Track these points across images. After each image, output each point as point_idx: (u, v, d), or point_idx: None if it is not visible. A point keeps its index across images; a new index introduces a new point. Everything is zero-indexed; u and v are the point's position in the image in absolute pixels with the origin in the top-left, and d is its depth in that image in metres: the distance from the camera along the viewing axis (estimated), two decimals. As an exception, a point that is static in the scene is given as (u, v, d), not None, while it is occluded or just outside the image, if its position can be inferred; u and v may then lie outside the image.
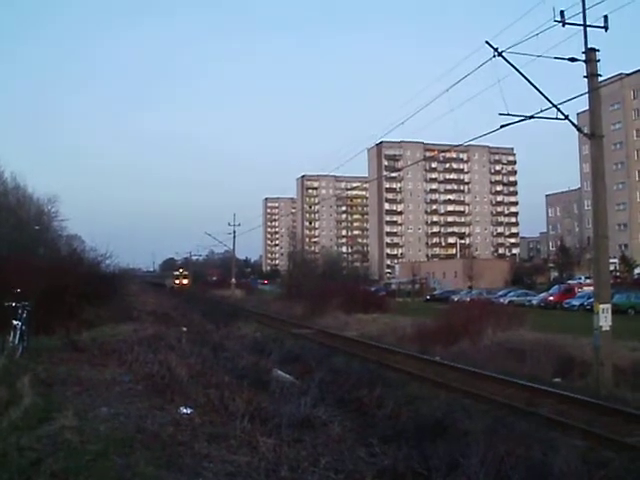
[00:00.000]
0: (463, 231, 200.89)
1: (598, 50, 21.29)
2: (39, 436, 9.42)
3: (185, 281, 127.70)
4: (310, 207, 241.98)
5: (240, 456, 9.11)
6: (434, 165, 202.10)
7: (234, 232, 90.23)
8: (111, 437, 9.58)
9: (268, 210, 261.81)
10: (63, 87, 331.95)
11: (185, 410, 11.87)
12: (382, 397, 14.85)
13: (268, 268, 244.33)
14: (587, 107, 22.14)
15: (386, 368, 24.44)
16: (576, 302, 59.49)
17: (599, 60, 21.32)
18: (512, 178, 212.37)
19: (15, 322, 18.64)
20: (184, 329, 29.97)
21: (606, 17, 20.95)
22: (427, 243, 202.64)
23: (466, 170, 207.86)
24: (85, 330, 25.68)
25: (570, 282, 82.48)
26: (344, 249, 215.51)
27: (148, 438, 9.70)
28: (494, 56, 20.80)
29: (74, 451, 8.73)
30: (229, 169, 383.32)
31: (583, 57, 21.28)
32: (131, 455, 8.70)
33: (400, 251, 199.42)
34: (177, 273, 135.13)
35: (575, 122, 22.67)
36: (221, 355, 21.14)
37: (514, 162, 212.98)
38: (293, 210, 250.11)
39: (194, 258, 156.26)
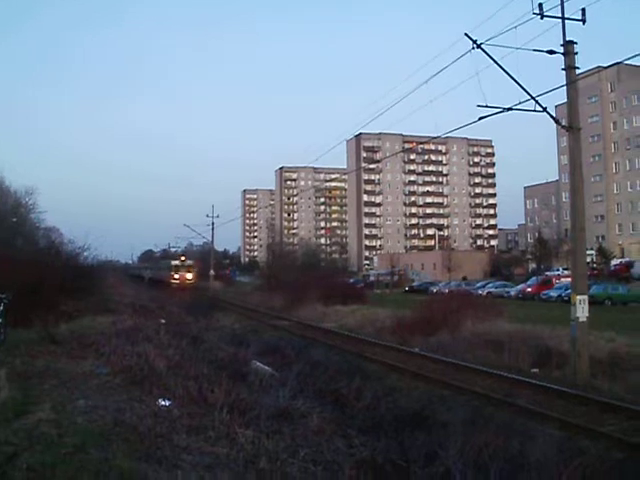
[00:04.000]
0: (442, 223, 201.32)
1: (576, 43, 21.43)
2: (16, 430, 9.37)
3: (189, 275, 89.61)
4: (289, 199, 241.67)
5: (219, 448, 9.10)
6: (413, 157, 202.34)
7: (212, 224, 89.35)
8: (89, 430, 9.54)
9: (247, 202, 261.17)
10: (41, 80, 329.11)
11: (163, 402, 11.83)
12: (361, 388, 14.85)
13: (247, 260, 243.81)
14: (565, 99, 22.24)
15: (365, 359, 24.51)
16: (554, 293, 59.83)
17: (577, 53, 21.45)
18: (490, 170, 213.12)
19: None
20: (162, 321, 29.92)
21: (584, 10, 21.03)
22: (406, 235, 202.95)
23: (445, 162, 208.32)
24: (63, 323, 25.56)
25: (548, 273, 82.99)
26: (323, 241, 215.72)
27: (126, 430, 9.66)
28: (473, 48, 20.78)
29: (51, 444, 8.68)
30: (207, 161, 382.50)
31: (561, 50, 21.37)
32: (109, 448, 8.65)
33: (379, 243, 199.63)
34: (176, 263, 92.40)
35: (553, 114, 22.72)
36: (200, 347, 21.09)
37: (492, 154, 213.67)
38: (272, 202, 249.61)
39: (172, 250, 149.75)
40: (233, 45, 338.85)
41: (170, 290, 77.77)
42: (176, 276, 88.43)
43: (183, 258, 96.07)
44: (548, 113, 21.82)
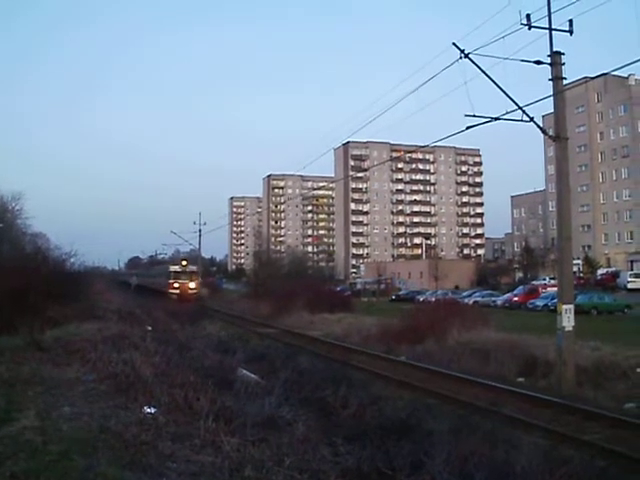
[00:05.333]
0: (429, 231, 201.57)
1: (563, 53, 21.59)
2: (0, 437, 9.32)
3: (192, 284, 75.42)
4: (276, 206, 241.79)
5: (204, 456, 9.08)
6: (400, 166, 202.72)
7: (200, 231, 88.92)
8: (74, 437, 9.50)
9: (234, 209, 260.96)
10: (26, 85, 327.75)
11: (149, 409, 11.79)
12: (347, 397, 14.84)
13: (234, 267, 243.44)
14: (552, 109, 22.35)
15: (351, 368, 24.49)
16: (540, 302, 59.92)
17: (564, 63, 21.61)
18: (478, 179, 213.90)
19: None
20: (149, 328, 29.79)
21: (571, 21, 21.19)
22: (393, 243, 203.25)
23: (432, 171, 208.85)
24: (49, 329, 25.41)
25: (534, 283, 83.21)
26: (310, 249, 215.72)
27: (111, 438, 9.63)
28: (461, 58, 20.90)
29: (36, 452, 8.65)
30: (195, 169, 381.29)
31: (548, 60, 21.52)
32: (94, 455, 8.62)
33: (366, 251, 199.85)
34: (176, 269, 78.07)
35: (540, 124, 22.85)
36: (186, 354, 20.99)
37: (480, 163, 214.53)
38: (259, 209, 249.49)
39: (160, 257, 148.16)
40: (219, 52, 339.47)
41: (168, 302, 64.43)
42: (176, 285, 73.82)
43: (185, 263, 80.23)
44: (535, 123, 21.94)
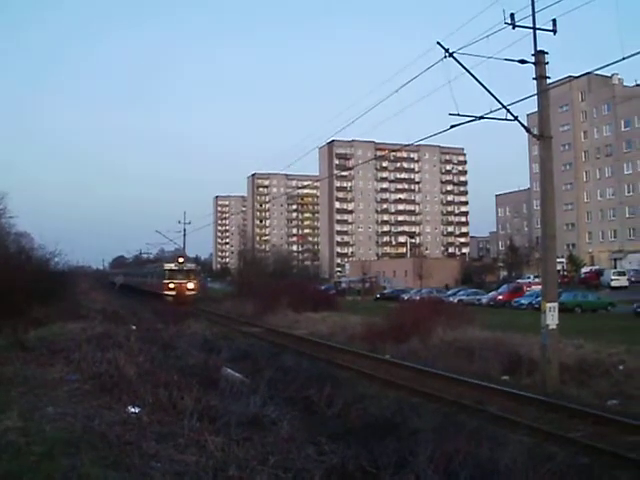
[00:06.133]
0: (413, 230, 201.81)
1: (547, 53, 21.64)
2: (-18, 438, 9.27)
3: (190, 285, 68.60)
4: (261, 205, 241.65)
5: (188, 455, 9.05)
6: (385, 164, 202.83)
7: (184, 230, 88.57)
8: (57, 438, 9.46)
9: (219, 208, 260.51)
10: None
11: (133, 409, 11.77)
12: (331, 396, 14.85)
13: (219, 266, 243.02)
14: (536, 108, 22.42)
15: (336, 367, 24.52)
16: (525, 301, 60.13)
17: (548, 62, 21.67)
18: (462, 178, 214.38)
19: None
20: (133, 327, 29.74)
21: (554, 21, 21.25)
22: (377, 242, 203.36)
23: (417, 170, 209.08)
24: (33, 329, 25.36)
25: (519, 281, 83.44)
26: (295, 247, 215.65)
27: (95, 438, 9.59)
28: (445, 57, 20.91)
29: (19, 453, 8.62)
30: (179, 168, 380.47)
31: (532, 59, 21.57)
32: (77, 456, 8.58)
33: (350, 250, 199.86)
34: (171, 266, 69.93)
35: (525, 123, 22.93)
36: (170, 353, 20.98)
37: (464, 162, 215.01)
38: (244, 208, 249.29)
39: (144, 256, 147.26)
40: (213, 56, 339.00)
41: (161, 303, 60.77)
42: (171, 285, 67.03)
43: (181, 260, 72.11)
44: (519, 122, 22.01)
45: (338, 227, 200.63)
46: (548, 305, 21.17)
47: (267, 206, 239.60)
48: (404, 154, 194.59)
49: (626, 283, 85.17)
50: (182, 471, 8.42)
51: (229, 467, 8.50)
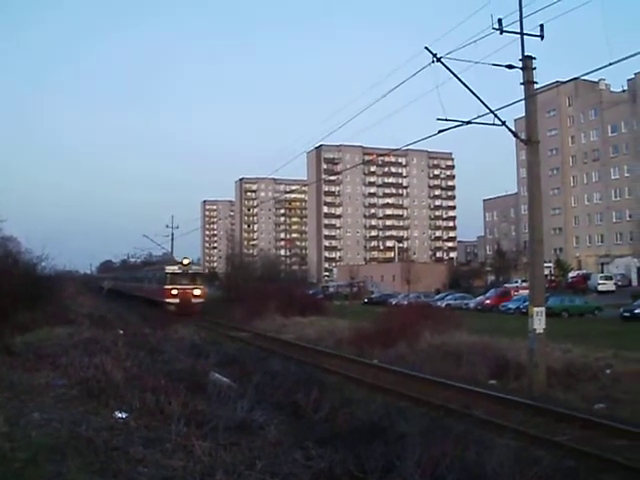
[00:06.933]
0: (401, 235, 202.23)
1: (534, 58, 21.69)
2: (-33, 443, 9.22)
3: (196, 291, 58.51)
4: (249, 210, 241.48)
5: (175, 460, 9.02)
6: (373, 169, 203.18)
7: (172, 234, 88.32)
8: (43, 443, 9.41)
9: (207, 213, 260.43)
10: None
11: (120, 414, 11.73)
12: (319, 400, 14.81)
13: (206, 271, 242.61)
14: (524, 113, 22.49)
15: (323, 371, 24.50)
16: (512, 305, 60.26)
17: (535, 68, 21.72)
18: (450, 183, 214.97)
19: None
20: (121, 332, 29.66)
21: (542, 26, 21.33)
22: (365, 246, 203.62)
23: (405, 174, 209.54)
24: (19, 334, 25.24)
25: (507, 285, 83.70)
26: (283, 252, 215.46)
27: (81, 444, 9.55)
28: (433, 61, 20.95)
29: (3, 459, 8.57)
30: (168, 171, 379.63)
31: (520, 64, 21.62)
32: (63, 462, 8.54)
33: (338, 254, 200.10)
34: (174, 269, 59.94)
35: (512, 128, 23.00)
36: (158, 358, 20.92)
37: (452, 167, 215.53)
38: (232, 213, 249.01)
39: (132, 260, 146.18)
40: (201, 58, 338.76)
41: (161, 313, 53.15)
42: (174, 292, 57.02)
43: (187, 261, 62.48)
44: (507, 127, 22.06)
45: (326, 232, 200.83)
46: (535, 309, 21.22)
47: (255, 210, 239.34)
48: (392, 159, 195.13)
49: (613, 287, 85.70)
50: (169, 476, 8.40)
51: (216, 472, 8.48)
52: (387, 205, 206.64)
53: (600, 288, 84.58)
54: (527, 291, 33.11)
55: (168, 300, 56.88)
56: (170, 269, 59.77)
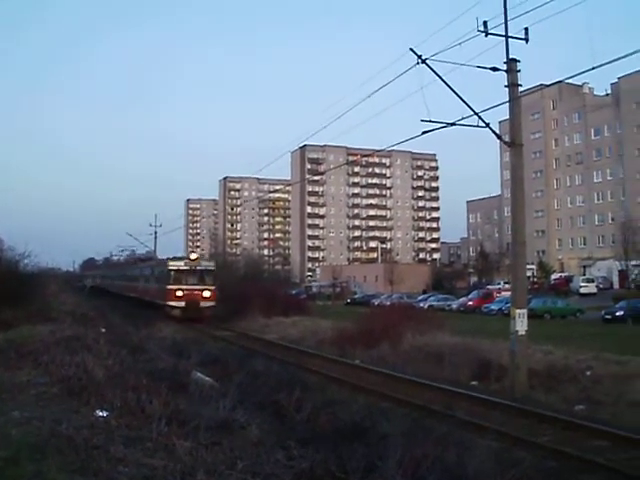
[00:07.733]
0: (384, 235, 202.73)
1: (519, 61, 21.84)
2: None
3: (207, 293, 49.15)
4: (232, 209, 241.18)
5: (156, 460, 8.96)
6: (357, 169, 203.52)
7: (155, 233, 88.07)
8: (23, 442, 9.32)
9: (190, 211, 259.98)
10: None
11: (101, 413, 11.65)
12: (301, 400, 14.79)
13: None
14: (508, 116, 22.58)
15: (305, 371, 24.48)
16: (495, 307, 60.52)
17: (519, 70, 21.84)
18: (434, 184, 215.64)
19: None
20: (103, 330, 29.51)
21: (527, 29, 21.45)
22: (349, 247, 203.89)
23: (388, 175, 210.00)
24: (1, 331, 25.06)
25: (489, 287, 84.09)
26: (266, 252, 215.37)
27: (62, 442, 9.48)
28: (418, 63, 20.99)
29: (-19, 458, 8.48)
30: (152, 169, 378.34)
31: (505, 67, 21.71)
32: (43, 461, 8.47)
33: (322, 254, 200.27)
34: (180, 266, 50.36)
35: (496, 130, 23.11)
36: (140, 357, 20.81)
37: (436, 168, 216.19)
38: (215, 212, 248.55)
39: (115, 258, 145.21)
40: (185, 56, 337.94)
41: (162, 317, 47.56)
42: (179, 293, 48.50)
43: (194, 256, 55.95)
44: (491, 129, 22.14)
45: (309, 232, 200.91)
46: (517, 311, 21.31)
47: (238, 210, 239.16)
48: (376, 159, 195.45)
49: (595, 290, 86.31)
50: (150, 475, 8.34)
51: (197, 472, 8.43)
52: (370, 206, 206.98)
53: (582, 290, 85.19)
54: (509, 293, 33.23)
55: (171, 303, 48.62)
56: (174, 265, 50.49)
